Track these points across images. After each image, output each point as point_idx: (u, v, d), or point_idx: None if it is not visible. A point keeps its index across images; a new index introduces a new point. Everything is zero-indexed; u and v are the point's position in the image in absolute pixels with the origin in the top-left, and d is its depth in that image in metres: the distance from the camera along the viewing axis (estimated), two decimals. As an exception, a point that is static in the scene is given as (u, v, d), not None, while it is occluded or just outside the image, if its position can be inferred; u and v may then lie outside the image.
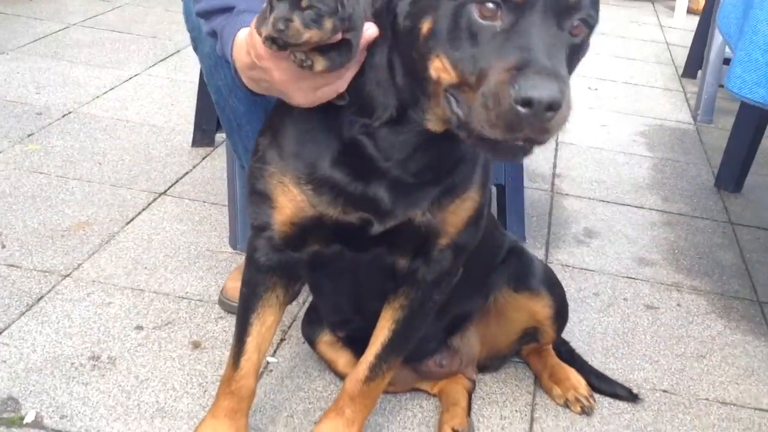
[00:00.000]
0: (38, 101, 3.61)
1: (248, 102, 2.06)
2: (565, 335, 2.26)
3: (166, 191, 2.98)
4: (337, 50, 1.37)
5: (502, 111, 1.17)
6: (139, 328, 2.23)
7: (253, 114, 2.10)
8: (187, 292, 2.41)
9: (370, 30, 1.40)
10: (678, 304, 2.68)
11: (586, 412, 2.10)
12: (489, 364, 2.19)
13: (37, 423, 1.87)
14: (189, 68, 4.19)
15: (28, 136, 3.28)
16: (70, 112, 3.54)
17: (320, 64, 1.36)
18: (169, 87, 3.97)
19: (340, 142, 1.49)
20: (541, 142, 1.24)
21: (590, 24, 1.30)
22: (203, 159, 3.27)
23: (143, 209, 2.83)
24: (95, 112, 3.58)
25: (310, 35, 1.29)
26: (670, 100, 4.80)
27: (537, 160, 3.65)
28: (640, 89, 4.93)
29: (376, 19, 1.41)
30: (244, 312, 1.72)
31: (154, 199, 2.91)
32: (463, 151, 1.54)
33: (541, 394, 2.17)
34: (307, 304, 2.23)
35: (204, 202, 2.93)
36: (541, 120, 1.16)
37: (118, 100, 3.73)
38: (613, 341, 2.43)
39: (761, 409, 2.22)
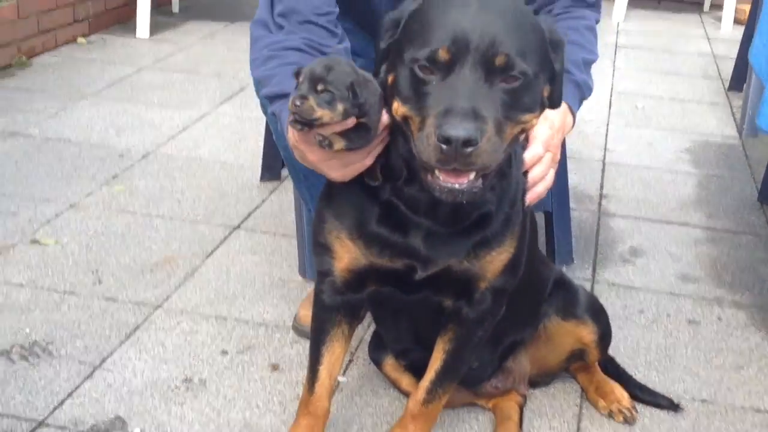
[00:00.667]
0: (119, 144, 3.94)
1: None
2: (610, 351, 2.46)
3: (239, 225, 3.26)
4: (356, 132, 1.64)
5: (431, 148, 1.49)
6: (224, 352, 2.50)
7: None
8: (264, 319, 2.68)
9: (385, 116, 1.68)
10: (719, 318, 2.87)
11: (629, 422, 2.31)
12: (539, 380, 2.41)
13: (142, 440, 2.15)
14: (253, 106, 4.43)
15: (113, 177, 3.60)
16: (149, 153, 3.85)
17: (338, 144, 1.64)
18: (236, 125, 4.27)
19: (378, 205, 1.78)
20: (472, 170, 1.54)
21: (527, 75, 1.56)
22: (271, 193, 3.55)
23: (220, 243, 3.12)
24: (171, 152, 3.89)
25: (321, 114, 1.56)
26: (716, 114, 4.96)
27: (584, 182, 3.86)
28: (687, 105, 5.09)
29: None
30: (315, 344, 2.00)
31: (230, 233, 3.19)
32: (486, 198, 1.77)
33: (587, 406, 2.38)
34: (372, 327, 2.48)
35: (274, 234, 3.21)
36: (462, 154, 1.46)
37: (191, 140, 4.04)
38: (655, 355, 2.63)
39: (795, 416, 2.40)
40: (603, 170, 4.05)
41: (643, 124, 4.72)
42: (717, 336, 2.77)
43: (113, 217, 3.27)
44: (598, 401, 2.36)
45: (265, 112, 2.39)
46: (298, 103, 1.56)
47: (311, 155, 1.75)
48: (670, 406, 2.39)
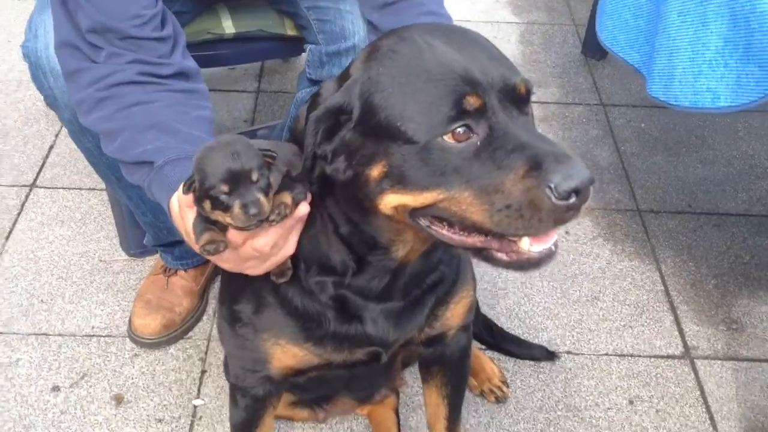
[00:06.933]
0: None
1: None
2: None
3: (35, 181, 2.80)
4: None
5: (547, 212, 1.13)
6: (56, 389, 2.20)
7: None
8: (93, 327, 2.36)
9: (304, 207, 1.35)
10: (566, 232, 2.80)
11: (500, 401, 2.26)
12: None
13: None
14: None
15: None
16: None
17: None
18: (-1, 12, 3.61)
19: (324, 304, 1.48)
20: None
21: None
22: (64, 121, 3.05)
23: (18, 213, 2.68)
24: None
25: (267, 206, 1.27)
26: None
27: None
28: None
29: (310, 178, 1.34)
30: (246, 430, 1.75)
31: (27, 196, 2.74)
32: (439, 254, 1.52)
33: (459, 388, 2.29)
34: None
35: (80, 189, 2.79)
36: (585, 197, 1.14)
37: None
38: (514, 298, 2.55)
39: (655, 356, 2.42)
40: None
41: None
42: (568, 258, 2.71)
43: None
44: (469, 380, 2.28)
45: (54, 111, 1.96)
46: (254, 211, 1.25)
47: (224, 264, 1.42)
48: (548, 356, 2.37)
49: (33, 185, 2.79)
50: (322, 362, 1.57)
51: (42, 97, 3.00)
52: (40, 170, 2.85)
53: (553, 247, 1.23)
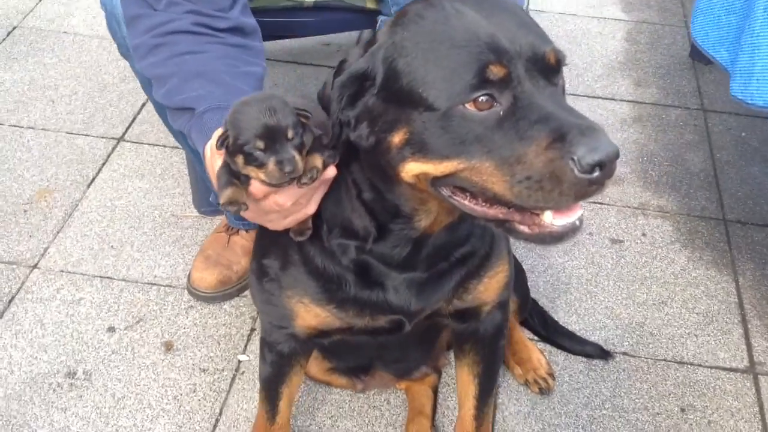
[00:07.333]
0: (-21, 14, 3.43)
1: None
2: (530, 289, 2.31)
3: (123, 135, 2.91)
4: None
5: (569, 185, 1.10)
6: (111, 330, 2.28)
7: None
8: (155, 276, 2.43)
9: (332, 169, 1.36)
10: (643, 234, 2.71)
11: (544, 392, 2.20)
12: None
13: (23, 468, 1.97)
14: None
15: (-26, 68, 3.15)
16: (14, 28, 3.36)
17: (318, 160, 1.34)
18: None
19: (345, 267, 1.49)
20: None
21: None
22: (159, 81, 3.15)
23: (103, 163, 2.78)
24: (40, 24, 3.40)
25: (301, 164, 1.28)
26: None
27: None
28: None
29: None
30: (272, 384, 1.80)
31: (113, 148, 2.85)
32: (468, 228, 1.51)
33: (503, 376, 2.25)
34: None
35: (164, 146, 2.87)
36: (609, 172, 1.11)
37: (62, 3, 3.54)
38: (576, 294, 2.49)
39: (717, 367, 2.31)
40: (526, 22, 3.70)
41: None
42: (641, 259, 2.62)
43: (-24, 132, 2.88)
44: (514, 368, 2.24)
45: (159, 110, 2.04)
46: (289, 168, 1.26)
47: (246, 213, 1.43)
48: (601, 354, 2.30)
49: (121, 139, 2.89)
50: (344, 326, 1.58)
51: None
52: (130, 125, 2.95)
53: (577, 222, 1.19)
